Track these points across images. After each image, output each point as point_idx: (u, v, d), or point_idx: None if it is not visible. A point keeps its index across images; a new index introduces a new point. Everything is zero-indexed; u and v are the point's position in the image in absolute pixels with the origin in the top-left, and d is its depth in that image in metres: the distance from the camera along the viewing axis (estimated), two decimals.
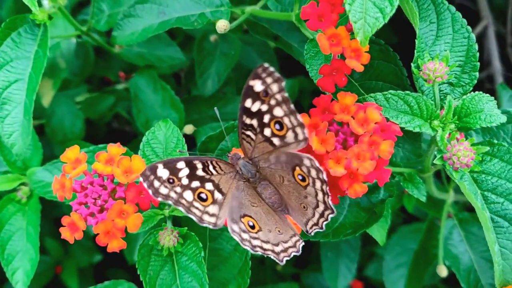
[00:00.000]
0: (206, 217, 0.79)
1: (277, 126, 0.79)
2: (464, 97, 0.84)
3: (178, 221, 0.95)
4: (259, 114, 0.79)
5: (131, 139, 1.31)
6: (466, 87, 0.89)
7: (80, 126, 1.31)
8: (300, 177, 0.81)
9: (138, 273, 0.87)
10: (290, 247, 0.81)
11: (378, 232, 1.05)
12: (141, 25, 1.07)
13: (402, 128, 0.81)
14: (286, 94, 0.77)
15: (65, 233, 0.79)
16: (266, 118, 0.79)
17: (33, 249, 1.06)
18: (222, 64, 1.25)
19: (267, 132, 0.80)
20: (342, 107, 0.80)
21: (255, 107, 0.79)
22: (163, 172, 0.77)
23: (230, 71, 1.27)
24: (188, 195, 0.78)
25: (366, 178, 0.78)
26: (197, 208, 0.78)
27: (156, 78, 1.22)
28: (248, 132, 0.81)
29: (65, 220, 0.79)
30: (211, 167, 0.81)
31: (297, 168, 0.80)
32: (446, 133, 0.83)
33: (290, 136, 0.79)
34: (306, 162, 0.79)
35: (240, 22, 1.05)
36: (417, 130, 0.81)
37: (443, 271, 1.19)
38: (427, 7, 0.91)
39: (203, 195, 0.79)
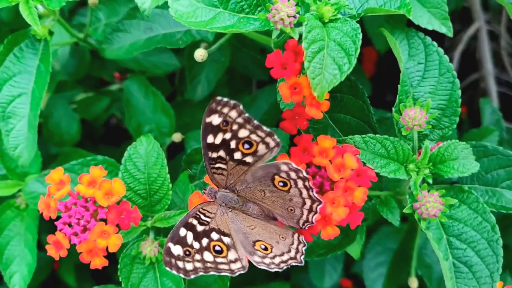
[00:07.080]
0: (233, 266, 0.78)
1: (246, 146, 0.80)
2: (441, 144, 0.87)
3: (160, 231, 1.00)
4: (224, 144, 0.80)
5: (128, 137, 1.32)
6: (445, 130, 0.91)
7: (76, 128, 1.32)
8: (281, 184, 0.81)
9: (120, 280, 0.91)
10: (298, 245, 0.81)
11: (352, 248, 1.09)
12: (129, 41, 1.09)
13: (377, 174, 0.84)
14: (247, 115, 0.78)
15: (51, 251, 0.83)
16: (233, 144, 0.80)
17: (30, 255, 1.08)
18: (212, 70, 1.25)
19: (237, 155, 0.81)
20: (321, 150, 0.81)
21: (218, 139, 0.79)
22: (177, 250, 0.77)
23: (223, 74, 1.27)
24: (208, 256, 0.78)
25: (339, 222, 0.81)
26: (222, 263, 0.78)
27: (147, 83, 1.23)
28: (218, 165, 0.82)
29: (50, 238, 0.82)
30: (203, 217, 0.81)
31: (276, 176, 0.81)
32: (420, 178, 0.86)
33: (261, 148, 0.80)
34: (283, 167, 0.80)
35: (223, 41, 1.05)
36: (391, 176, 0.84)
37: (413, 283, 1.23)
38: (417, 47, 0.92)
39: (217, 248, 0.79)
